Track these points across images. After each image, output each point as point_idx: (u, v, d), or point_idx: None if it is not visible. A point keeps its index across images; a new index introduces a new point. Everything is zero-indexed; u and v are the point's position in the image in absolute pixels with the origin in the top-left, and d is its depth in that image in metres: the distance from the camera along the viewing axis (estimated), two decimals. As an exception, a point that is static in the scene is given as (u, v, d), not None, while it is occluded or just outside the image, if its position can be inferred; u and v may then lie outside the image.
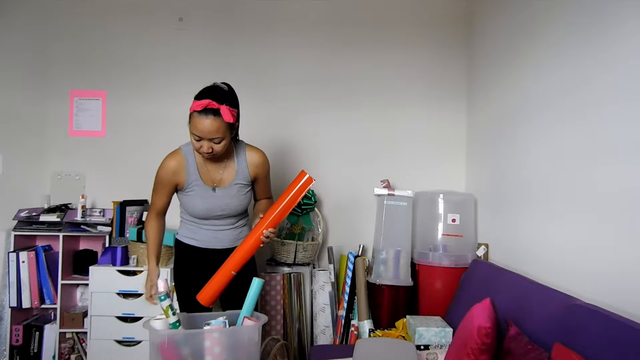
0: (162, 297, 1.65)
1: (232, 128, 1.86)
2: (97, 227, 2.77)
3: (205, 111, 1.75)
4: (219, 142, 1.81)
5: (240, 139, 2.05)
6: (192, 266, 2.04)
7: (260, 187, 2.10)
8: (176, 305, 2.01)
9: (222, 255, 2.03)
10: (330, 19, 3.11)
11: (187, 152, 1.95)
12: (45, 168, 3.01)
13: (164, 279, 1.72)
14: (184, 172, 1.93)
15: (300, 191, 1.83)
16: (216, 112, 1.75)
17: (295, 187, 1.83)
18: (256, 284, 1.77)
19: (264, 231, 1.82)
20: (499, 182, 2.56)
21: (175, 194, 2.02)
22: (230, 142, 1.91)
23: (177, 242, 2.09)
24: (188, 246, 2.05)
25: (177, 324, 1.66)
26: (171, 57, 3.06)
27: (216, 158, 1.91)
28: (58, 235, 2.70)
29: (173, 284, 2.13)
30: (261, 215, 1.91)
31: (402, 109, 3.12)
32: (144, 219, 2.82)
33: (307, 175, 1.82)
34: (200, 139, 1.79)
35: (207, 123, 1.75)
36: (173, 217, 2.16)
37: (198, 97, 1.80)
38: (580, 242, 1.79)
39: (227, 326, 1.67)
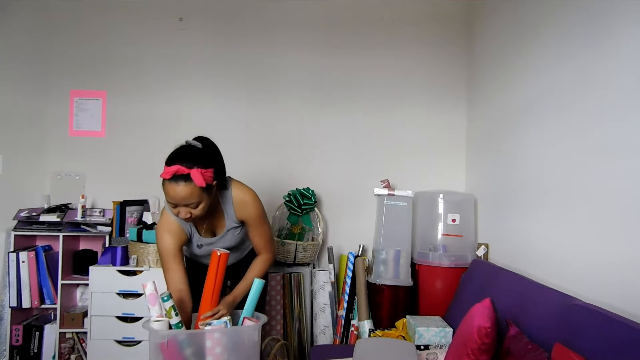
0: (165, 298, 1.64)
1: (209, 189, 1.71)
2: (97, 227, 2.77)
3: (175, 178, 1.62)
4: (196, 207, 1.68)
5: (229, 176, 1.93)
6: (192, 271, 1.98)
7: (252, 233, 1.92)
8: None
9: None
10: (331, 19, 3.11)
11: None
12: (45, 168, 3.01)
13: (153, 280, 1.71)
14: (184, 232, 1.87)
15: (221, 271, 1.75)
16: (187, 178, 1.63)
17: (215, 269, 1.75)
18: (257, 284, 1.77)
19: (199, 324, 1.67)
20: (499, 182, 2.56)
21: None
22: (215, 193, 1.79)
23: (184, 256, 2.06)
24: (192, 260, 2.06)
25: (180, 324, 1.66)
26: (171, 57, 3.06)
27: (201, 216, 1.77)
28: (58, 235, 2.70)
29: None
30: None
31: (402, 109, 3.12)
32: (144, 219, 2.82)
33: (220, 253, 1.74)
34: (175, 206, 1.68)
35: (179, 190, 1.63)
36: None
37: (168, 162, 1.67)
38: (580, 242, 1.79)
39: (229, 326, 1.68)
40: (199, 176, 1.63)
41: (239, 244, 2.01)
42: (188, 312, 1.79)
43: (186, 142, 1.76)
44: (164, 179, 1.65)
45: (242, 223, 1.93)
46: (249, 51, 3.08)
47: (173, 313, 1.65)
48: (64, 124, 3.03)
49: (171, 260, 1.83)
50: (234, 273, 2.04)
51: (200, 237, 1.92)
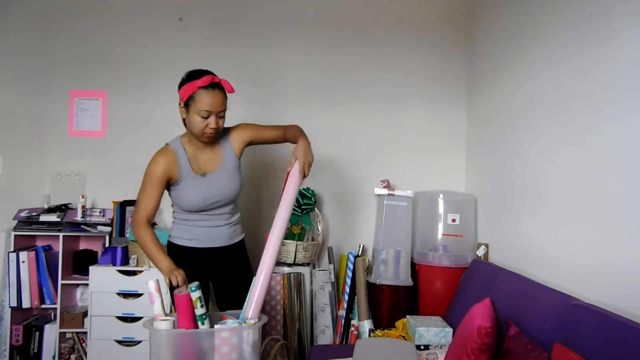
0: (193, 288, 1.65)
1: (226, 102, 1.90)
2: (97, 227, 2.77)
3: (212, 85, 1.80)
4: (223, 116, 1.86)
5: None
6: (188, 268, 1.91)
7: (262, 133, 2.05)
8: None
9: (219, 253, 2.02)
10: (331, 19, 3.11)
11: (175, 146, 1.94)
12: (45, 168, 3.01)
13: (156, 279, 1.70)
14: (177, 165, 1.91)
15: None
16: (219, 86, 1.82)
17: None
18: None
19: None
20: (499, 182, 2.56)
21: (167, 192, 1.98)
22: None
23: (171, 245, 2.02)
24: (183, 248, 1.99)
25: (204, 316, 1.67)
26: (171, 57, 3.05)
27: (209, 141, 1.93)
28: (58, 235, 2.70)
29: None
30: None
31: (402, 109, 3.12)
32: (144, 219, 2.82)
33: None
34: (208, 116, 1.81)
35: (215, 96, 1.80)
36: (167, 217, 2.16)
37: (195, 76, 1.83)
38: (580, 242, 1.79)
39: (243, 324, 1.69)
40: (228, 84, 1.84)
41: (231, 196, 1.99)
42: (156, 238, 1.86)
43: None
44: (198, 89, 1.80)
45: (240, 163, 2.03)
46: (249, 51, 3.07)
47: (199, 304, 1.65)
48: (64, 124, 3.03)
49: (154, 184, 1.87)
50: (220, 268, 2.02)
51: (194, 173, 1.92)
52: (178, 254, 1.98)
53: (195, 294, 1.66)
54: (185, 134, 1.99)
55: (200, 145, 1.96)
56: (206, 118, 1.82)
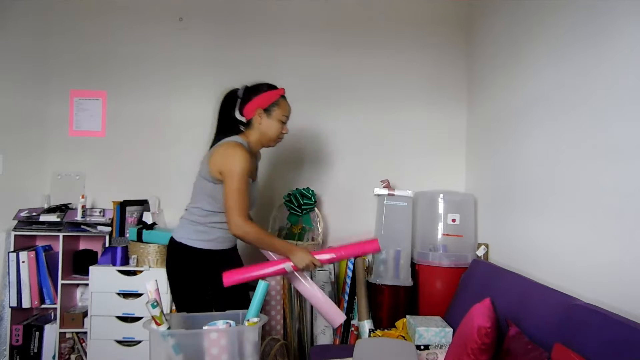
0: (154, 305, 1.59)
1: None
2: (97, 227, 2.77)
3: (285, 96, 2.04)
4: None
5: None
6: (200, 272, 1.94)
7: None
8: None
9: (227, 254, 2.05)
10: (331, 19, 3.11)
11: (245, 145, 1.96)
12: (45, 168, 3.01)
13: (154, 279, 1.68)
14: (254, 163, 2.03)
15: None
16: None
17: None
18: (262, 287, 1.77)
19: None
20: (499, 182, 2.56)
21: (214, 186, 1.92)
22: None
23: (180, 247, 1.94)
24: (196, 250, 1.93)
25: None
26: (171, 57, 3.06)
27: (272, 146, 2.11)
28: (58, 235, 2.70)
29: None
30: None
31: (402, 109, 3.12)
32: (144, 219, 2.81)
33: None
34: (286, 121, 2.02)
35: (288, 104, 2.04)
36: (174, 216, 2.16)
37: (272, 87, 2.03)
38: (580, 242, 1.79)
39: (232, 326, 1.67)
40: None
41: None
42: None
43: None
44: (280, 97, 2.03)
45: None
46: (249, 51, 3.07)
47: (164, 319, 1.62)
48: (64, 124, 3.03)
49: (245, 180, 1.86)
50: (227, 269, 1.99)
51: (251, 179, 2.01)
52: (188, 257, 1.94)
53: (156, 311, 1.61)
54: (244, 138, 2.00)
55: (252, 152, 2.02)
56: (284, 123, 2.01)
